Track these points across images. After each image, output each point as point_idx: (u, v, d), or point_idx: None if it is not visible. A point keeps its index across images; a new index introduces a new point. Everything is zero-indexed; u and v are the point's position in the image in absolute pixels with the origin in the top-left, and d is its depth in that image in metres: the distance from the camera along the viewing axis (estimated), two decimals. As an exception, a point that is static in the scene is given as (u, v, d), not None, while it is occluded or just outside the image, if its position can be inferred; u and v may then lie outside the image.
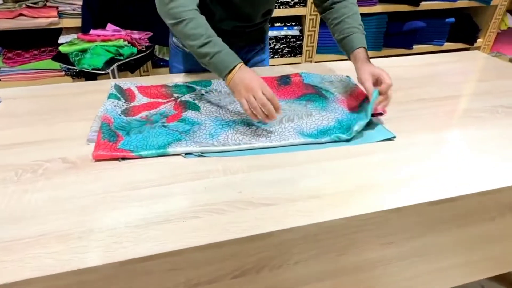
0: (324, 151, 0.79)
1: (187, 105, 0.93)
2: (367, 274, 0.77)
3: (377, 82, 0.87)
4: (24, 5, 1.78)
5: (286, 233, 0.60)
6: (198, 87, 1.03)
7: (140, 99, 0.98)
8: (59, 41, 1.91)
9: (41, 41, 2.04)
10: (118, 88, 0.98)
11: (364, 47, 0.93)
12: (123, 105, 0.93)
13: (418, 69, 1.23)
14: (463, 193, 0.68)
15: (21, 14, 1.77)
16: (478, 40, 2.67)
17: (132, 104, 0.95)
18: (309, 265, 0.68)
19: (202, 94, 1.00)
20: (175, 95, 0.99)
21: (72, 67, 1.76)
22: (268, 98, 0.78)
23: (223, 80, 0.84)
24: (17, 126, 0.86)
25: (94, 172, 0.71)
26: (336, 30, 0.98)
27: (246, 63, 1.08)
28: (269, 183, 0.69)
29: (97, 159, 0.74)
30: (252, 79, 0.80)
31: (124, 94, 0.98)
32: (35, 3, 1.80)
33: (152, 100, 0.98)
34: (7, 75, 1.97)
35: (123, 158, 0.75)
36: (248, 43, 1.15)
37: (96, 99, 0.97)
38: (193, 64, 1.07)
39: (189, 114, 0.89)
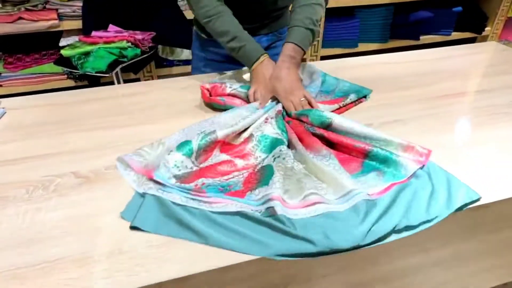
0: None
1: (264, 174, 0.68)
2: (399, 282, 0.73)
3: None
4: (23, 9, 1.74)
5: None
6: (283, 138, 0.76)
7: (217, 156, 0.74)
8: (60, 44, 1.87)
9: (41, 45, 2.00)
10: (205, 138, 0.72)
11: (294, 43, 0.90)
12: (186, 166, 0.69)
13: (436, 63, 1.18)
14: (499, 198, 0.64)
15: (20, 18, 1.73)
16: (486, 29, 2.61)
17: (202, 165, 0.71)
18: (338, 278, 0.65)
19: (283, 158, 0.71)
20: (258, 154, 0.74)
21: (75, 70, 1.72)
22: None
23: (249, 70, 0.94)
24: (23, 138, 0.82)
25: (108, 187, 0.67)
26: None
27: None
28: None
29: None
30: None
31: (203, 147, 0.72)
32: (34, 6, 1.75)
33: (229, 158, 0.73)
34: (8, 81, 1.93)
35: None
36: (265, 31, 1.11)
37: (106, 106, 0.92)
38: (211, 51, 1.13)
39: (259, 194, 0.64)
